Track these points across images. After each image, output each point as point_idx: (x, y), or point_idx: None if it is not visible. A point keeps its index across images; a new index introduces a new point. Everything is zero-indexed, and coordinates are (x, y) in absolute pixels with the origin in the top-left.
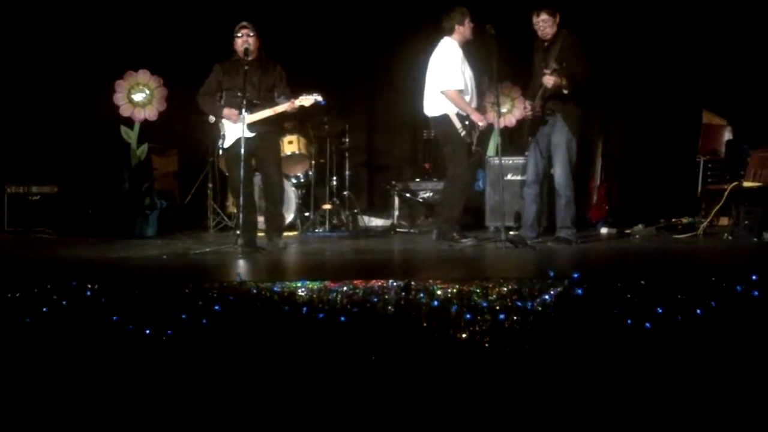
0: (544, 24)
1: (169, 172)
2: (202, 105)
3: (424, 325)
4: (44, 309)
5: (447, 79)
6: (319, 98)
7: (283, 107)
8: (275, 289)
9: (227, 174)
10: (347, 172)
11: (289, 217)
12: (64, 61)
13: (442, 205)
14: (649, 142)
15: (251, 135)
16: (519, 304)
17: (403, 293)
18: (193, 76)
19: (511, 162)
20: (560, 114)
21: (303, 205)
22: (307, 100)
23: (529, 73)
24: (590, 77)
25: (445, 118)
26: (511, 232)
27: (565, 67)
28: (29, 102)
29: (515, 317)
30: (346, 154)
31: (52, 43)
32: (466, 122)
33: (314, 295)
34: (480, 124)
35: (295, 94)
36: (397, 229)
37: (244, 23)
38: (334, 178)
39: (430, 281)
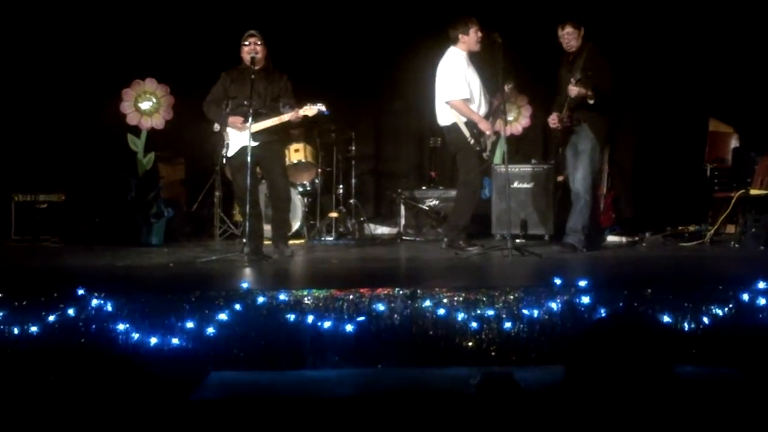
0: (569, 36)
1: (176, 181)
2: (208, 113)
3: (431, 333)
4: (51, 317)
5: (452, 89)
6: (323, 108)
7: (287, 117)
8: (282, 297)
9: (233, 182)
10: (353, 180)
11: (296, 225)
12: (72, 70)
13: (452, 213)
14: (656, 150)
15: (255, 144)
16: (525, 312)
17: (410, 301)
18: (200, 84)
19: (517, 170)
20: (587, 123)
21: (309, 213)
22: (311, 110)
23: (542, 82)
24: (611, 88)
25: (455, 127)
26: (517, 240)
27: (589, 77)
28: (36, 111)
29: (521, 325)
30: (353, 163)
31: (60, 51)
32: (474, 130)
33: (320, 304)
34: (487, 132)
35: (300, 104)
36: (404, 238)
37: (252, 32)
38: (341, 186)
39: (437, 289)
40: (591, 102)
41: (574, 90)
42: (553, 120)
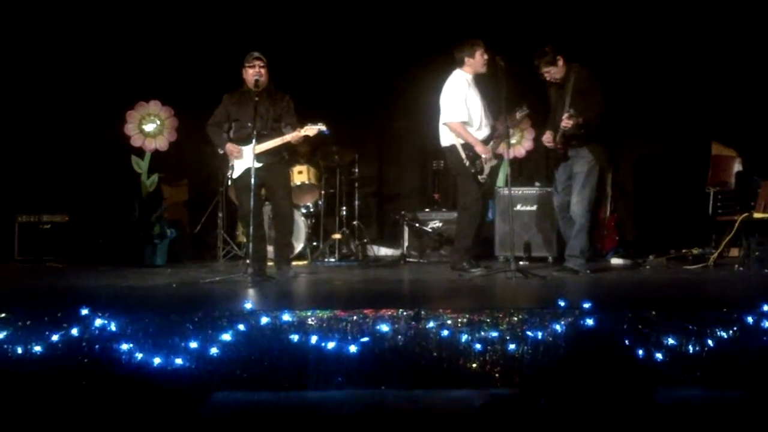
0: (549, 74)
1: (180, 202)
2: (211, 135)
3: (434, 354)
4: (54, 337)
5: (450, 111)
6: (324, 128)
7: (288, 137)
8: (285, 317)
9: (237, 204)
10: (357, 202)
11: (299, 247)
12: (76, 92)
13: (455, 235)
14: (659, 173)
15: (259, 165)
16: (529, 334)
17: (413, 323)
18: (203, 106)
19: (520, 192)
20: (585, 147)
21: (312, 234)
22: (311, 129)
23: (541, 104)
24: (604, 111)
25: (453, 148)
26: (521, 262)
27: (579, 109)
28: (41, 132)
29: (525, 347)
30: (356, 184)
31: (64, 73)
32: (470, 152)
33: (324, 324)
34: (483, 156)
35: (301, 124)
36: (407, 259)
37: (256, 54)
38: (344, 207)
39: (441, 311)
40: (582, 131)
41: (567, 124)
42: (547, 138)
